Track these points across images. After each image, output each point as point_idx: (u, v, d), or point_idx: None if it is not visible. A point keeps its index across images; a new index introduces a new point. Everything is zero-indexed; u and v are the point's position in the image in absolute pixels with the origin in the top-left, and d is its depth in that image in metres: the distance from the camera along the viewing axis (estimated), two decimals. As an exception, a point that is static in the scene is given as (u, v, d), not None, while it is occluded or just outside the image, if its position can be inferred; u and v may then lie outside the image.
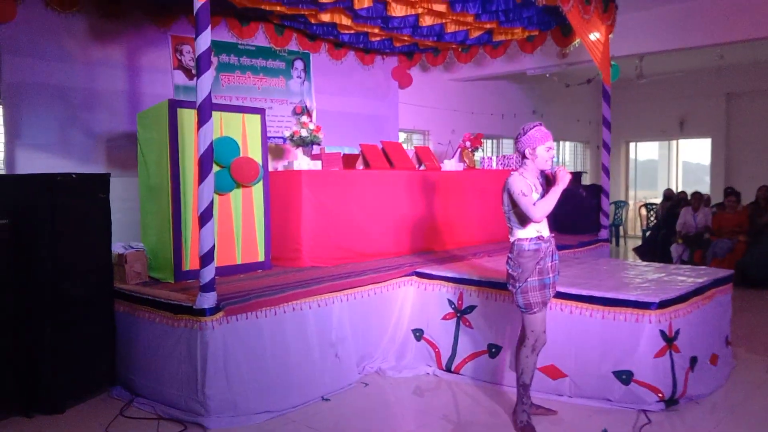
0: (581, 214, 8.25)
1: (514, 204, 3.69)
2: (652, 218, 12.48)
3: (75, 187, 4.34)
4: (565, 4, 6.23)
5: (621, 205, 13.36)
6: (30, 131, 5.92)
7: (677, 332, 4.13)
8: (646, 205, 13.07)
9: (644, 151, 15.49)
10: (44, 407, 4.13)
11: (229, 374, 4.01)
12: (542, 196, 3.71)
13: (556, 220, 8.34)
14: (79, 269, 4.34)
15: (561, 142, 14.10)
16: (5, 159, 5.81)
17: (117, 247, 4.86)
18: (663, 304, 4.07)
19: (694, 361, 4.30)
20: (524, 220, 3.70)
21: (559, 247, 6.71)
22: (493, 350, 4.68)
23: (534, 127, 3.70)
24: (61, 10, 6.05)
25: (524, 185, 3.64)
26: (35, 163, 5.76)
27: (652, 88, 12.56)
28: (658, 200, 12.55)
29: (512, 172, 3.78)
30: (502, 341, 4.64)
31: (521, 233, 3.74)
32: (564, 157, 14.31)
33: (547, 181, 3.81)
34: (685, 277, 4.80)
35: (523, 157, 3.76)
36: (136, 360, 4.49)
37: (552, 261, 3.80)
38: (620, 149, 14.49)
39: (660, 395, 4.03)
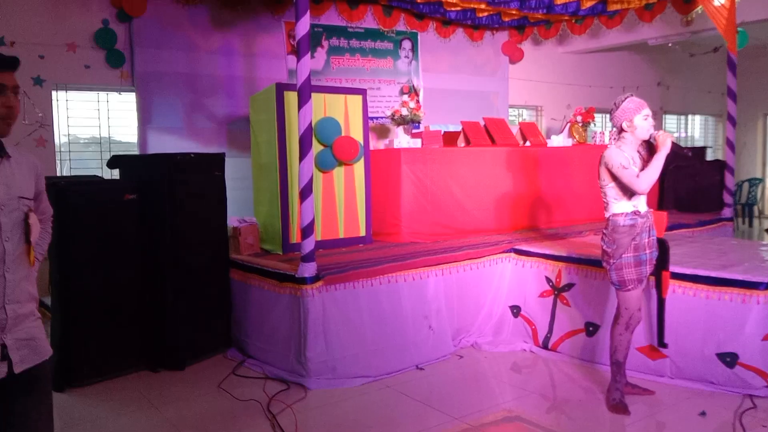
0: (704, 191, 7.78)
1: (614, 177, 3.61)
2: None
3: (193, 166, 4.76)
4: (682, -32, 5.87)
5: (756, 182, 12.34)
6: (159, 116, 6.51)
7: (791, 315, 3.87)
8: (784, 182, 11.99)
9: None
10: (167, 364, 4.62)
11: (328, 339, 4.28)
12: (642, 168, 3.60)
13: (674, 198, 7.95)
14: (198, 240, 4.77)
15: (690, 116, 13.21)
16: (139, 141, 6.43)
17: (232, 221, 5.27)
18: (773, 284, 3.82)
19: (811, 346, 4.01)
20: (624, 192, 3.61)
21: (675, 227, 6.51)
22: (591, 329, 4.61)
23: (626, 98, 3.61)
24: (185, 2, 6.59)
25: (623, 158, 3.56)
26: (164, 144, 6.35)
27: (796, 54, 11.44)
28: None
29: (609, 145, 3.69)
30: (601, 320, 4.55)
31: (617, 208, 3.66)
32: (693, 131, 13.41)
33: (650, 149, 3.69)
34: (807, 258, 4.45)
35: (621, 131, 3.67)
36: (248, 324, 4.88)
37: (649, 237, 3.69)
38: (757, 123, 13.32)
39: (768, 380, 3.81)
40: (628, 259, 3.63)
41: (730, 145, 7.17)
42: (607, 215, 3.73)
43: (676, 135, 12.80)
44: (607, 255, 3.72)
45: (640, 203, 3.67)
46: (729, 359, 3.90)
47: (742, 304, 3.88)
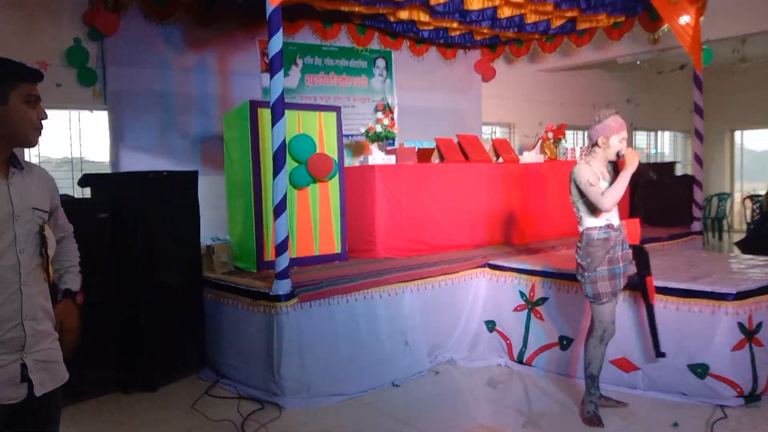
0: (673, 206, 7.92)
1: (582, 194, 3.66)
2: (756, 210, 11.69)
3: (166, 184, 4.73)
4: (648, -12, 6.02)
5: (724, 197, 12.61)
6: (132, 134, 6.45)
7: (759, 325, 3.95)
8: (751, 196, 12.26)
9: (759, 140, 14.40)
10: (140, 385, 4.54)
11: (303, 357, 4.25)
12: (611, 183, 3.65)
13: (645, 212, 8.08)
14: (171, 259, 4.72)
15: (659, 132, 13.49)
16: (111, 160, 6.37)
17: (206, 239, 5.23)
18: (741, 296, 3.90)
19: (780, 356, 4.09)
20: (594, 209, 3.66)
21: (647, 240, 6.59)
22: (565, 342, 4.65)
23: (610, 116, 3.64)
24: (158, 21, 6.57)
25: (590, 174, 3.60)
26: (138, 163, 6.26)
27: (760, 72, 11.74)
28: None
29: (578, 161, 3.75)
30: (574, 334, 4.59)
31: (590, 222, 3.70)
32: (662, 147, 13.68)
33: (614, 166, 3.75)
34: (773, 269, 4.55)
35: (594, 145, 3.72)
36: (222, 343, 4.82)
37: (623, 250, 3.73)
38: (724, 138, 13.64)
39: (738, 390, 3.86)
40: (603, 272, 3.66)
41: (698, 160, 7.32)
42: (581, 229, 3.77)
43: (645, 152, 13.04)
44: (581, 268, 3.75)
45: (613, 217, 3.71)
46: (700, 370, 3.95)
47: (712, 315, 3.95)
